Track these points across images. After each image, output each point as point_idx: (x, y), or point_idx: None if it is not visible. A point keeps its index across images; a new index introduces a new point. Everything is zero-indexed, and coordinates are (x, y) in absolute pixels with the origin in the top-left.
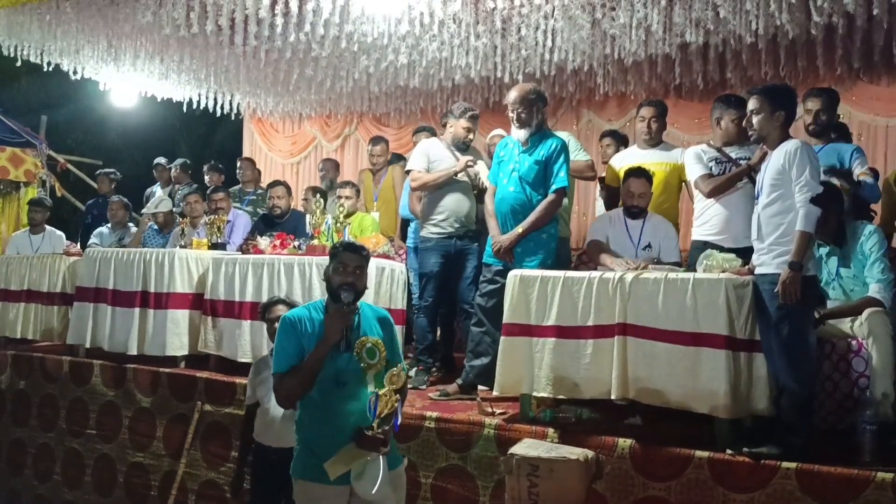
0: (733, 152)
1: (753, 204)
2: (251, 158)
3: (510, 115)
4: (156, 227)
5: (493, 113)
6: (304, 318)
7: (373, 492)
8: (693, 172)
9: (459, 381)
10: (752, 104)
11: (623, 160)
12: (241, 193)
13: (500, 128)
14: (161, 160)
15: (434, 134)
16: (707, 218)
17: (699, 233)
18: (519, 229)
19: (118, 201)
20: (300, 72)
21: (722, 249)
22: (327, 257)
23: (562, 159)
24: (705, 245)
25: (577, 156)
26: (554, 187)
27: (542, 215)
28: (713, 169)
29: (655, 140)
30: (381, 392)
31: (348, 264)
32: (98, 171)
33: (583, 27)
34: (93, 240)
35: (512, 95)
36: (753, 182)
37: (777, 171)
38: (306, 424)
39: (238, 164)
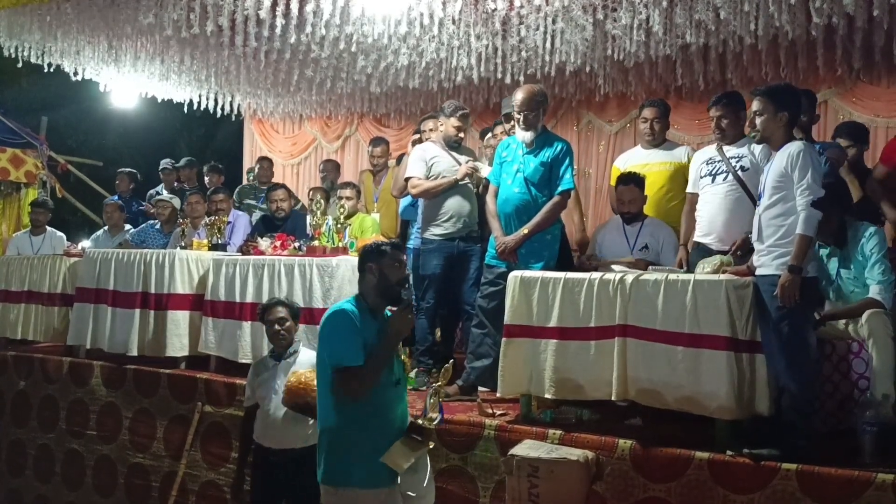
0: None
1: (742, 204)
2: (270, 158)
3: (516, 116)
4: (157, 226)
5: (494, 114)
6: (356, 314)
7: (425, 484)
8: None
9: (460, 382)
10: (755, 105)
11: (627, 161)
12: (256, 191)
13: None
14: (167, 163)
15: None
16: (698, 219)
17: (695, 232)
18: (524, 230)
19: (113, 204)
20: (300, 73)
21: (710, 251)
22: (328, 258)
23: (567, 161)
24: (697, 245)
25: None
26: (560, 189)
27: (548, 216)
28: (703, 170)
29: (658, 140)
30: (437, 386)
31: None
32: (119, 170)
33: (583, 28)
34: (88, 243)
35: (518, 97)
36: (739, 182)
37: (779, 174)
38: (358, 427)
39: (258, 164)
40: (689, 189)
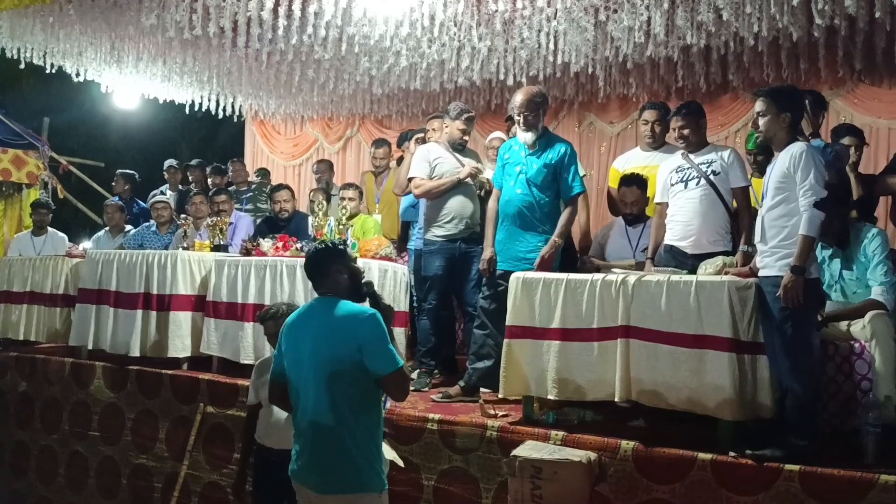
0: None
1: (715, 207)
2: (240, 159)
3: (516, 118)
4: (153, 228)
5: (495, 115)
6: None
7: None
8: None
9: (462, 383)
10: (758, 106)
11: (626, 163)
12: (237, 194)
13: (500, 130)
14: (172, 163)
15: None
16: (671, 224)
17: (667, 237)
18: (557, 240)
19: (113, 205)
20: (302, 74)
21: (686, 256)
22: None
23: (574, 165)
24: (671, 249)
25: None
26: (573, 193)
27: (569, 222)
28: (672, 177)
29: (658, 142)
30: None
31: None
32: (118, 171)
33: (585, 29)
34: (89, 244)
35: (518, 99)
36: (712, 186)
37: (782, 175)
38: (378, 426)
39: (230, 166)
40: (657, 199)
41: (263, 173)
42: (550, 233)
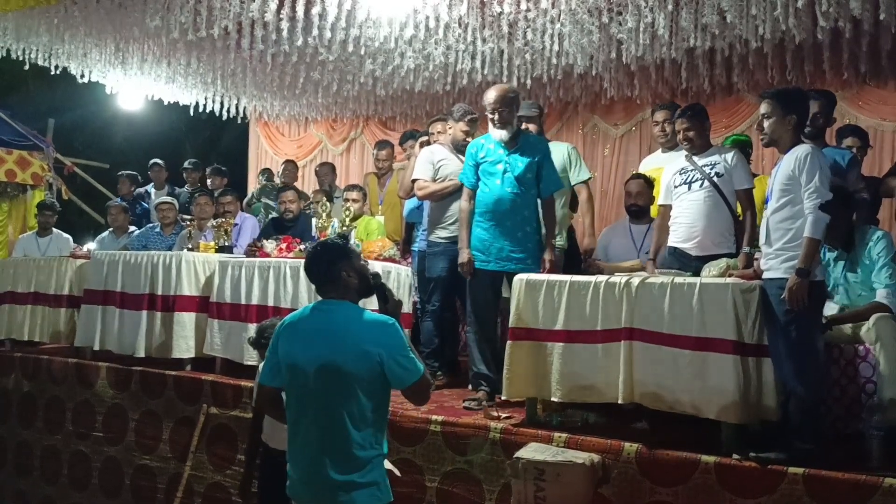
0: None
1: (720, 209)
2: (294, 161)
3: (490, 115)
4: (157, 229)
5: None
6: None
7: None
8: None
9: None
10: (763, 108)
11: (647, 165)
12: (278, 192)
13: None
14: (158, 161)
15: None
16: (675, 226)
17: (671, 239)
18: (557, 242)
19: (117, 206)
20: (306, 75)
21: (690, 258)
22: None
23: (551, 162)
24: (675, 251)
25: (581, 174)
26: (555, 189)
27: (555, 219)
28: (676, 179)
29: (673, 142)
30: None
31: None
32: (120, 173)
33: (589, 31)
34: (93, 245)
35: (492, 95)
36: (716, 188)
37: (787, 177)
38: (385, 437)
39: (282, 166)
40: (660, 201)
41: (268, 174)
42: (535, 231)
